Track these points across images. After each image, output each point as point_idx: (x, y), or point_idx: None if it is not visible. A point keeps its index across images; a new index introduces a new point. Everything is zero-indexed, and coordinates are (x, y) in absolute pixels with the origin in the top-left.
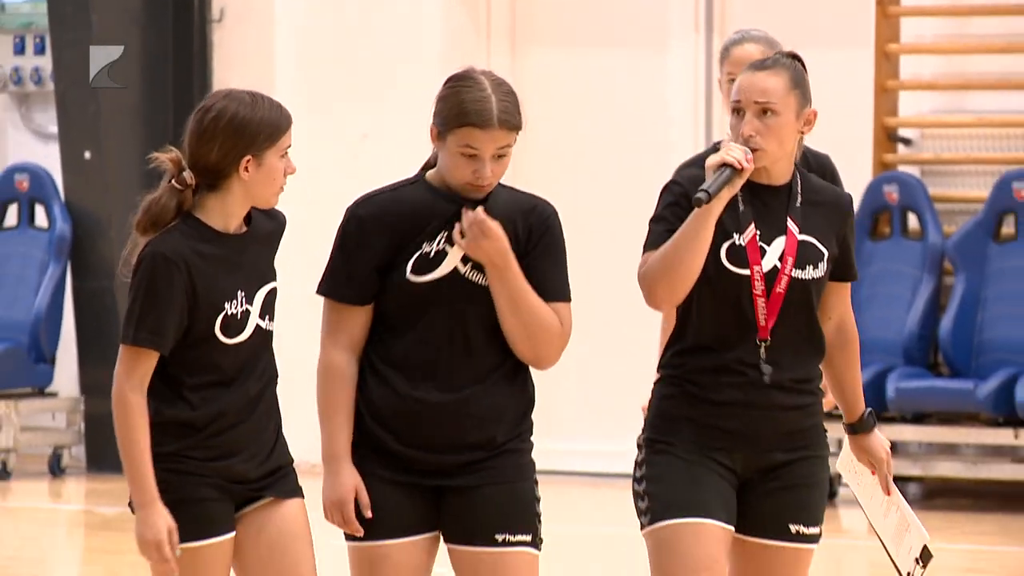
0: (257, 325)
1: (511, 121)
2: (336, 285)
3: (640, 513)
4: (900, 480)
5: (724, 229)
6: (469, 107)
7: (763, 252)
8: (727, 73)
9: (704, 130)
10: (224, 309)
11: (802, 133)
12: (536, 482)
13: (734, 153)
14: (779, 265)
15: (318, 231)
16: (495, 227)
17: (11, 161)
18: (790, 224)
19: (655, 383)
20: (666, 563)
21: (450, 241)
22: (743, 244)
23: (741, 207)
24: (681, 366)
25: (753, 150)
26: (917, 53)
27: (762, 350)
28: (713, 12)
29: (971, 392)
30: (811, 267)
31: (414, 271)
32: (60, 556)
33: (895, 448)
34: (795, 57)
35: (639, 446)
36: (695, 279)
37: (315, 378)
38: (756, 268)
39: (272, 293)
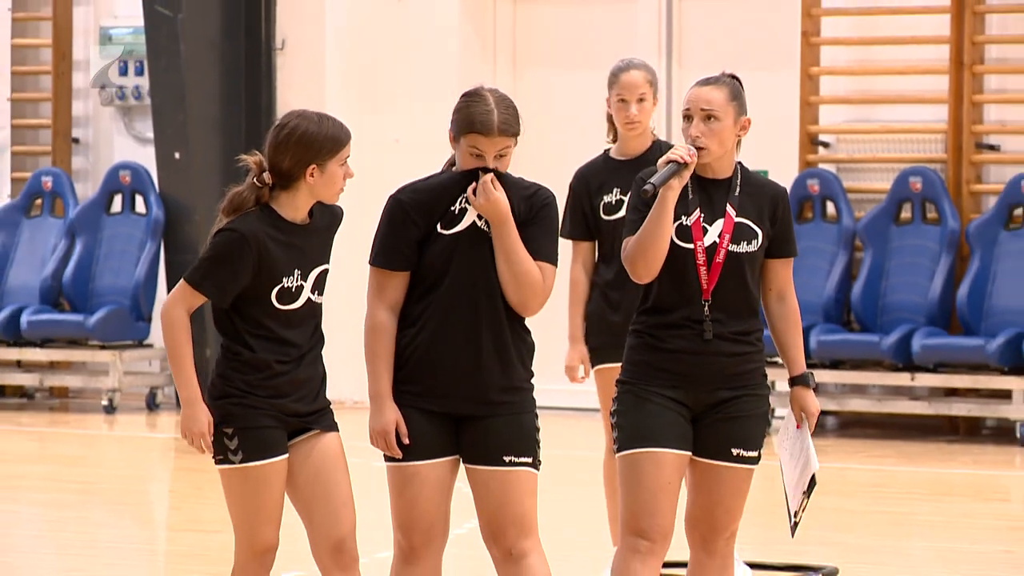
0: (308, 298)
1: (509, 130)
2: (385, 255)
3: (615, 441)
4: (820, 415)
5: (675, 213)
6: (476, 118)
7: (705, 231)
8: (616, 95)
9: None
10: (281, 282)
11: (739, 136)
12: (536, 415)
13: (679, 151)
14: (718, 241)
15: (359, 220)
16: (498, 189)
17: (116, 160)
18: (729, 209)
19: (628, 334)
20: (630, 484)
21: (469, 202)
22: (689, 224)
23: (690, 195)
24: (644, 323)
25: (699, 148)
26: (833, 75)
27: (705, 309)
28: (672, 43)
29: (876, 344)
30: (745, 243)
31: (443, 226)
32: (155, 474)
33: (817, 389)
34: (734, 77)
35: (616, 385)
36: (665, 254)
37: (361, 334)
38: (699, 243)
39: (323, 273)
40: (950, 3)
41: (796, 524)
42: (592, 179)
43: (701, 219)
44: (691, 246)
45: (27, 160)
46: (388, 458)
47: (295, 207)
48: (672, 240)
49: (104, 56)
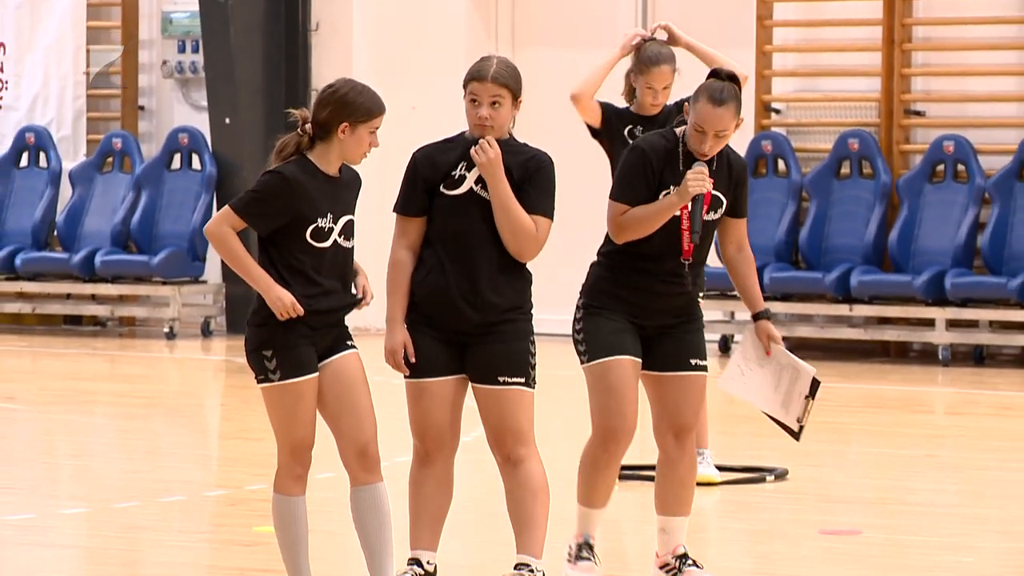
0: (335, 240)
1: (501, 79)
2: (404, 204)
3: (580, 354)
4: None
5: (667, 185)
6: (474, 68)
7: (690, 203)
8: (645, 83)
9: None
10: (316, 222)
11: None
12: (533, 342)
13: (703, 186)
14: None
15: (382, 174)
16: (493, 147)
17: (176, 125)
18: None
19: (592, 265)
20: (598, 387)
21: (468, 168)
22: None
23: (681, 170)
24: (620, 261)
25: (708, 162)
26: (783, 52)
27: (686, 267)
28: (648, 25)
29: (820, 280)
30: (714, 212)
31: (446, 187)
32: (209, 391)
33: (771, 318)
34: (734, 79)
35: (578, 308)
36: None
37: (383, 274)
38: (685, 211)
39: (350, 223)
40: None
41: (802, 428)
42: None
43: None
44: (678, 213)
45: (100, 124)
46: (407, 376)
47: (328, 160)
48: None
49: (167, 36)
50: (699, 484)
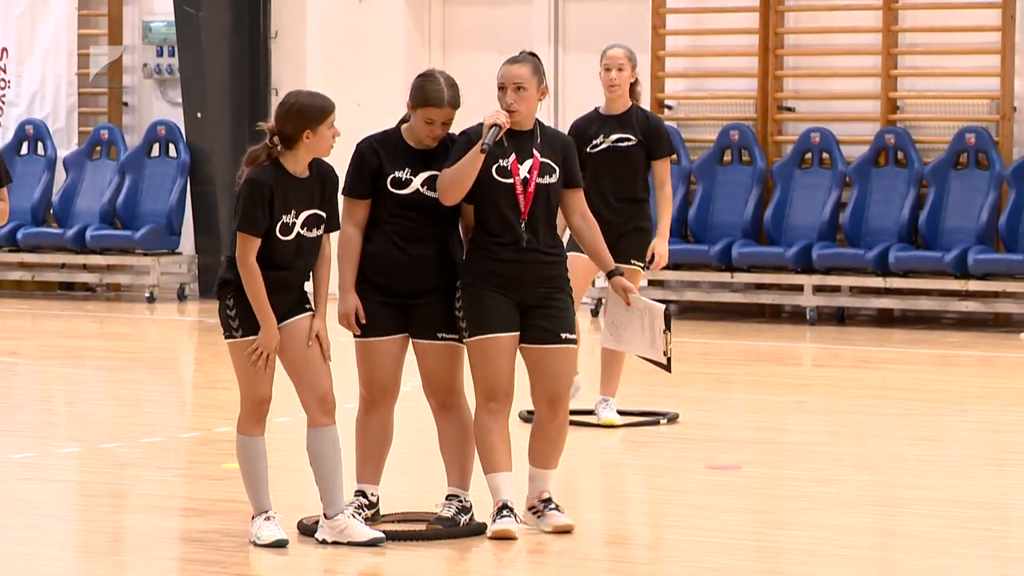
0: (298, 232)
1: (455, 103)
2: (351, 188)
3: (463, 330)
4: (666, 302)
5: (495, 157)
6: (431, 95)
7: (519, 170)
8: (603, 65)
9: (553, 110)
10: (281, 219)
11: (540, 99)
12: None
13: (500, 118)
14: (528, 176)
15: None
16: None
17: (155, 118)
18: (535, 152)
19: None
20: (478, 362)
21: (414, 173)
22: (507, 165)
23: (505, 143)
24: (480, 238)
25: (512, 112)
26: (675, 56)
27: (523, 227)
28: (559, 35)
29: (706, 252)
30: (548, 176)
31: (393, 186)
32: (184, 346)
33: (668, 285)
34: (533, 55)
35: (458, 287)
36: (468, 187)
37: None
38: (516, 178)
39: (313, 215)
40: (759, 4)
41: (669, 360)
42: (585, 127)
43: (516, 159)
44: (510, 181)
45: (89, 118)
46: (356, 336)
47: (296, 162)
48: (494, 177)
49: (147, 42)
50: (602, 426)
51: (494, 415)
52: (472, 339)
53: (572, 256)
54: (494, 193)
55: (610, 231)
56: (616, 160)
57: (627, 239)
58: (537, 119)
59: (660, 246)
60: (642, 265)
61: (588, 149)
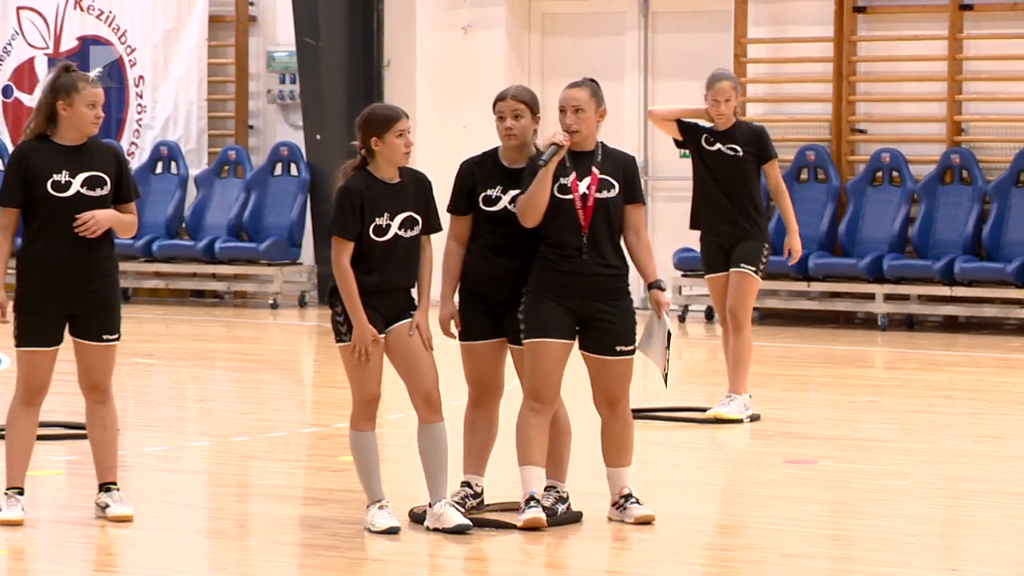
0: (396, 233)
1: (519, 97)
2: (452, 205)
3: (521, 332)
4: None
5: (556, 176)
6: (499, 94)
7: (578, 186)
8: (711, 97)
9: (643, 134)
10: (375, 221)
11: (599, 121)
12: None
13: (559, 137)
14: (587, 192)
15: (439, 182)
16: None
17: (278, 140)
18: (594, 170)
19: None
20: (529, 363)
21: (504, 191)
22: (567, 183)
23: (567, 163)
24: (544, 251)
25: (572, 133)
26: (755, 82)
27: (584, 240)
28: (648, 63)
29: (784, 263)
30: (607, 191)
31: (484, 204)
32: (304, 349)
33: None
34: (593, 80)
35: (523, 293)
36: (544, 208)
37: (440, 258)
38: (576, 194)
39: (408, 218)
40: (833, 34)
41: (666, 376)
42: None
43: (576, 177)
44: (570, 197)
45: (218, 140)
46: (459, 340)
47: (380, 169)
48: (555, 195)
49: (271, 71)
50: (718, 421)
51: (536, 413)
52: (527, 341)
53: (708, 278)
54: (556, 209)
55: (726, 239)
56: (726, 166)
57: (742, 245)
58: (600, 141)
59: (795, 241)
60: (753, 269)
61: (703, 143)
